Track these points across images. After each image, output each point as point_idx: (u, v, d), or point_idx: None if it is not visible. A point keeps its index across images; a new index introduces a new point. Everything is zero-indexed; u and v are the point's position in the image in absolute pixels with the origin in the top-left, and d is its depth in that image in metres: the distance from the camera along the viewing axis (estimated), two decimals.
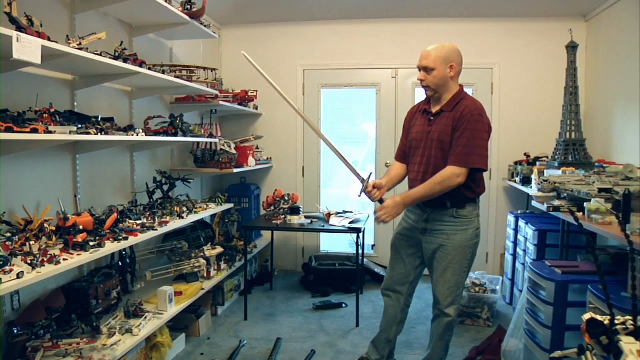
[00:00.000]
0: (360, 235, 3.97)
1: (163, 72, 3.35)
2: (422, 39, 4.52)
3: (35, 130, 2.15)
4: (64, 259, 2.27)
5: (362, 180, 2.72)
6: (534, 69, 5.02)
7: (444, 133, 2.57)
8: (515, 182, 4.58)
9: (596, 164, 3.96)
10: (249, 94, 4.89)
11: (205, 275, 3.77)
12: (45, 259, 2.21)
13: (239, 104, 4.80)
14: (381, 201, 2.69)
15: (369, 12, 5.09)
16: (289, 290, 4.86)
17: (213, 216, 4.56)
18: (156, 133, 3.40)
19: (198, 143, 4.42)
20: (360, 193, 2.72)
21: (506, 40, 5.05)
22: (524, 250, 4.04)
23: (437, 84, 2.61)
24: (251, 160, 4.68)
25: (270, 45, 5.39)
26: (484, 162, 2.52)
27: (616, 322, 1.59)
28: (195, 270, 3.67)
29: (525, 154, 4.84)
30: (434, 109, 2.68)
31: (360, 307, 4.08)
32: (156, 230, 2.97)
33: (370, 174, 2.76)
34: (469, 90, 4.66)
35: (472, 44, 5.03)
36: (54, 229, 2.51)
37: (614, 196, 2.73)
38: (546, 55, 4.96)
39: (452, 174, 2.51)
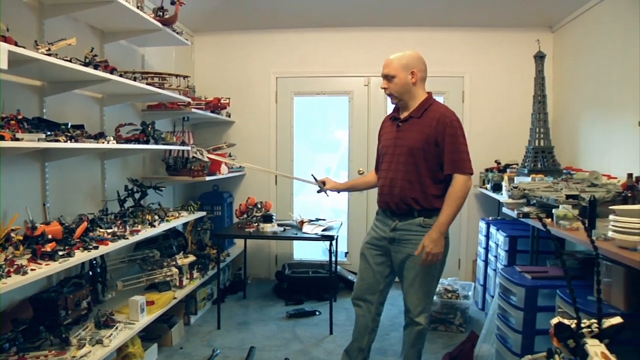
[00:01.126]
0: (333, 242, 3.97)
1: (134, 79, 3.31)
2: (394, 47, 4.43)
3: (1, 138, 2.10)
4: (32, 269, 2.22)
5: (316, 181, 3.03)
6: (503, 78, 5.10)
7: (413, 140, 2.58)
8: (486, 188, 4.60)
9: (564, 171, 4.01)
10: (222, 101, 4.87)
11: (177, 284, 3.72)
12: (12, 269, 2.15)
13: (212, 112, 4.79)
14: (324, 183, 3.04)
15: (341, 21, 5.11)
16: (262, 299, 4.84)
17: (185, 224, 4.50)
18: (127, 141, 3.36)
19: (170, 151, 4.37)
20: (321, 190, 3.06)
21: (476, 50, 5.12)
22: (495, 256, 4.07)
23: (399, 91, 2.62)
24: (224, 169, 4.65)
25: (242, 52, 5.38)
26: (471, 166, 2.56)
27: (582, 325, 1.62)
28: (168, 279, 3.63)
29: (496, 161, 4.89)
30: (402, 116, 2.69)
31: (333, 314, 4.08)
32: (127, 239, 2.94)
33: (312, 175, 3.04)
34: (440, 99, 4.72)
35: (444, 52, 5.09)
36: (21, 238, 2.45)
37: (580, 202, 2.76)
38: (515, 64, 5.05)
39: (462, 182, 2.50)
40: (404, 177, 2.61)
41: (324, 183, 3.10)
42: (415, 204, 2.58)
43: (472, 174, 2.53)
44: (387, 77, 2.64)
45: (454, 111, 2.64)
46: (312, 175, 3.09)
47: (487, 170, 4.85)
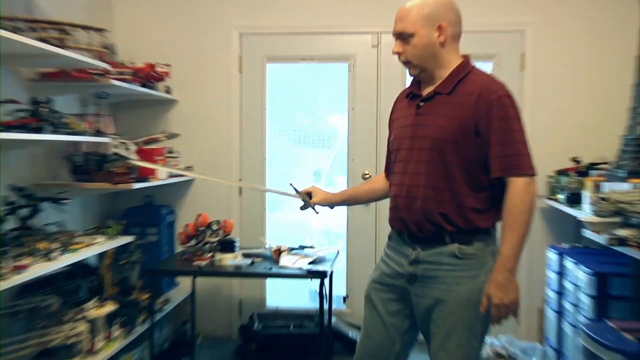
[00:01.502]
0: (326, 281, 3.95)
1: (15, 31, 3.21)
2: None
3: None
4: None
5: (297, 194, 3.14)
6: (588, 32, 5.05)
7: (441, 127, 2.55)
8: (557, 200, 4.61)
9: None
10: (157, 69, 4.81)
11: (87, 348, 3.68)
12: None
13: (142, 85, 4.74)
14: (309, 195, 3.14)
15: None
16: None
17: (101, 256, 4.44)
18: (7, 127, 3.24)
19: (78, 144, 4.31)
20: (306, 206, 3.17)
21: None
22: (574, 305, 4.03)
23: (421, 57, 2.62)
24: (161, 171, 4.59)
25: None
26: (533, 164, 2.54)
27: None
28: (71, 340, 3.58)
29: (573, 159, 4.85)
30: (425, 92, 2.67)
31: None
32: (6, 279, 2.88)
33: (290, 184, 3.19)
34: (485, 66, 4.70)
35: None
36: None
37: None
38: (607, 10, 5.00)
39: (522, 187, 2.47)
40: (427, 182, 2.57)
41: (309, 195, 3.12)
42: (447, 223, 2.55)
43: (534, 175, 2.51)
44: (402, 36, 2.61)
45: (504, 83, 2.59)
46: (290, 185, 3.15)
47: (558, 172, 4.81)
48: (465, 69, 2.62)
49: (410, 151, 2.65)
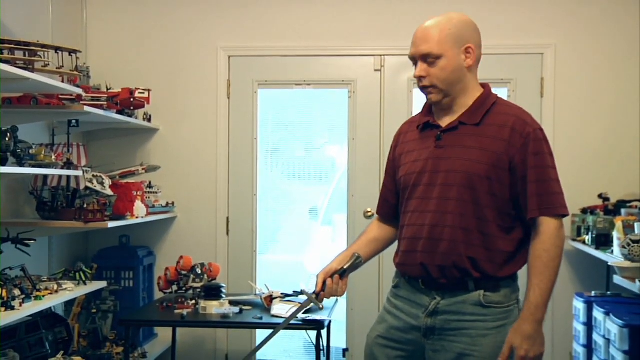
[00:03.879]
0: (324, 332, 3.95)
1: None
2: (425, 7, 4.58)
3: None
4: None
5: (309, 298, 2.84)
6: (613, 55, 5.03)
7: (471, 161, 2.53)
8: (583, 242, 4.56)
9: None
10: (136, 94, 4.74)
11: None
12: None
13: (119, 112, 4.71)
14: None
15: None
16: None
17: (70, 304, 4.41)
18: None
19: (45, 177, 4.30)
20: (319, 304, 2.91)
21: (566, 10, 5.08)
22: None
23: (449, 81, 2.58)
24: (139, 208, 4.53)
25: (172, 13, 5.30)
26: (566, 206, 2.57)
27: None
28: None
29: (600, 196, 4.78)
30: (444, 122, 2.64)
31: None
32: None
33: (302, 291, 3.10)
34: (500, 92, 4.65)
35: (508, 14, 5.05)
36: None
37: None
38: (634, 32, 4.97)
39: (555, 230, 2.44)
40: (456, 222, 2.52)
41: (318, 293, 2.82)
42: (474, 269, 2.51)
43: (567, 215, 2.54)
44: (427, 58, 2.57)
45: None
46: (302, 291, 3.12)
47: (584, 211, 4.76)
48: (490, 98, 2.61)
49: (431, 187, 2.59)
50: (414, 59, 2.61)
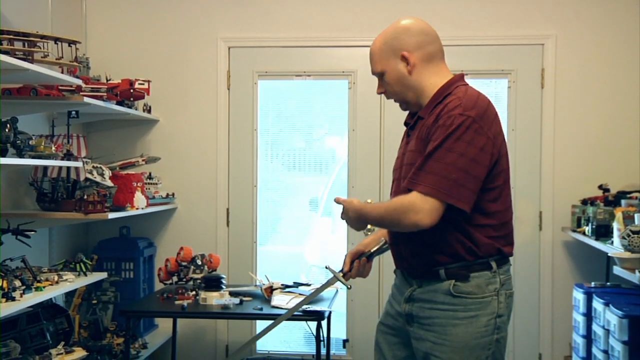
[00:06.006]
0: (324, 323, 4.00)
1: None
2: None
3: None
4: None
5: (335, 276, 2.95)
6: (615, 45, 5.02)
7: (414, 151, 2.62)
8: (583, 233, 4.54)
9: None
10: (136, 86, 4.74)
11: None
12: None
13: (119, 103, 4.71)
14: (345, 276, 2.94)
15: None
16: None
17: (70, 295, 4.40)
18: None
19: (45, 168, 4.30)
20: (347, 284, 2.98)
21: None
22: (605, 352, 3.96)
23: (398, 91, 2.72)
24: (139, 199, 4.54)
25: (170, 4, 5.31)
26: (459, 195, 2.43)
27: None
28: None
29: (600, 187, 4.78)
30: (413, 119, 2.79)
31: None
32: None
33: (327, 267, 3.04)
34: (501, 84, 4.75)
35: (508, 4, 5.01)
36: None
37: None
38: (636, 21, 4.97)
39: (409, 203, 2.46)
40: None
41: (346, 273, 2.96)
42: (439, 254, 2.57)
43: (432, 197, 2.45)
44: (378, 77, 2.76)
45: (478, 104, 2.54)
46: (328, 268, 3.03)
47: (584, 202, 4.75)
48: (446, 90, 2.61)
49: (399, 181, 2.70)
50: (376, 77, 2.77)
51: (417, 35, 2.65)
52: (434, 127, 2.52)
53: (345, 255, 2.95)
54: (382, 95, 2.74)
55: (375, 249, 2.90)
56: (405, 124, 2.84)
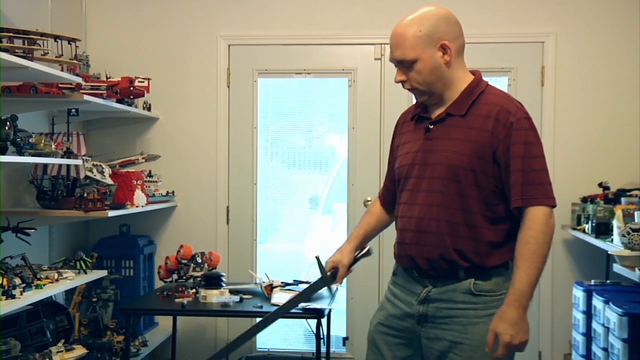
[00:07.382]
0: (324, 321, 3.99)
1: None
2: None
3: None
4: None
5: (323, 274, 2.94)
6: (615, 43, 5.02)
7: (456, 153, 2.56)
8: (583, 231, 4.55)
9: None
10: (136, 83, 4.72)
11: None
12: None
13: (119, 101, 4.68)
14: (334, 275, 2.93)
15: None
16: None
17: (70, 293, 4.42)
18: None
19: (45, 166, 4.29)
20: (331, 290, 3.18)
21: None
22: (605, 349, 3.96)
23: (428, 82, 2.62)
24: (139, 197, 4.56)
25: (170, 1, 5.32)
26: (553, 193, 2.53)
27: None
28: None
29: (600, 185, 4.79)
30: (434, 113, 2.68)
31: None
32: None
33: (316, 257, 2.99)
34: (499, 81, 4.74)
35: (508, 2, 5.02)
36: None
37: None
38: (636, 20, 4.97)
39: (543, 218, 2.44)
40: (441, 215, 2.59)
41: (333, 276, 2.96)
42: (462, 260, 2.55)
43: (555, 206, 2.52)
44: (403, 64, 2.61)
45: (520, 103, 2.60)
46: (316, 258, 3.00)
47: (584, 199, 4.76)
48: (478, 87, 2.61)
49: (420, 180, 2.63)
50: (394, 63, 2.64)
51: (455, 24, 2.61)
52: (505, 134, 2.50)
53: (326, 262, 2.93)
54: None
55: (360, 254, 2.95)
56: (419, 118, 2.74)
